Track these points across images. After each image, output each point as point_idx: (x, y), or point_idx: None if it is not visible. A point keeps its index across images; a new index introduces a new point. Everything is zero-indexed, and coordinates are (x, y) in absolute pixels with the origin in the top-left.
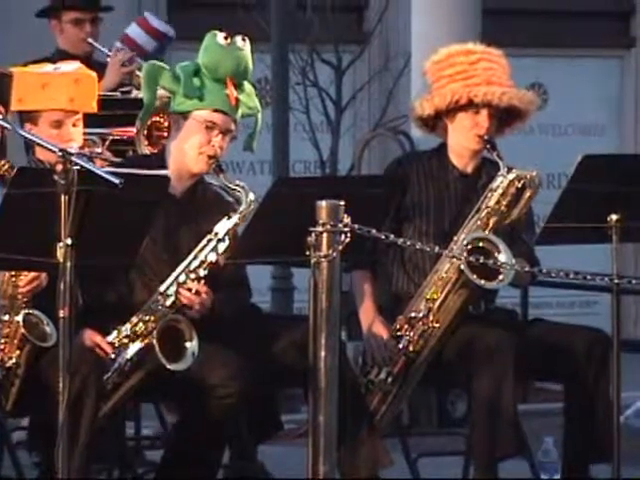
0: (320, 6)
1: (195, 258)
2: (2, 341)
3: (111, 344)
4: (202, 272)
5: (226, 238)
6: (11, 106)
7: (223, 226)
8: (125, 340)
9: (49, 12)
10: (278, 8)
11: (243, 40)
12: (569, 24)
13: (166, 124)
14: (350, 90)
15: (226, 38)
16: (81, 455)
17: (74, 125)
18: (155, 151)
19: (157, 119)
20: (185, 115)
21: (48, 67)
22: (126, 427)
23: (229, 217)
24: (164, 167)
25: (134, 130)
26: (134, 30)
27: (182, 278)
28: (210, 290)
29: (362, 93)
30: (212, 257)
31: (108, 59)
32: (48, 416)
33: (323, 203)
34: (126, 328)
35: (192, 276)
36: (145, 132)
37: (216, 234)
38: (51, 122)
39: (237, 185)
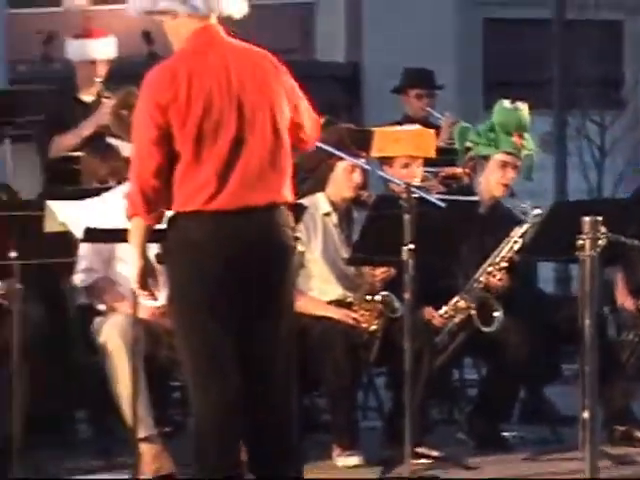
0: (588, 81)
1: (498, 255)
2: (367, 314)
3: (442, 316)
4: (503, 264)
5: (519, 240)
6: (371, 153)
7: (517, 232)
8: (452, 312)
9: (399, 89)
10: (560, 85)
11: (523, 103)
12: None
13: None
14: (611, 140)
15: (511, 102)
16: (421, 394)
17: (417, 166)
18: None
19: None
20: (487, 158)
21: (398, 127)
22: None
23: (521, 225)
24: (473, 194)
25: (457, 170)
26: None
27: (489, 269)
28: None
29: (619, 143)
30: (510, 254)
31: (440, 122)
32: (398, 366)
33: (586, 218)
34: (452, 304)
35: (496, 267)
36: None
37: (512, 237)
38: (402, 164)
39: (525, 204)
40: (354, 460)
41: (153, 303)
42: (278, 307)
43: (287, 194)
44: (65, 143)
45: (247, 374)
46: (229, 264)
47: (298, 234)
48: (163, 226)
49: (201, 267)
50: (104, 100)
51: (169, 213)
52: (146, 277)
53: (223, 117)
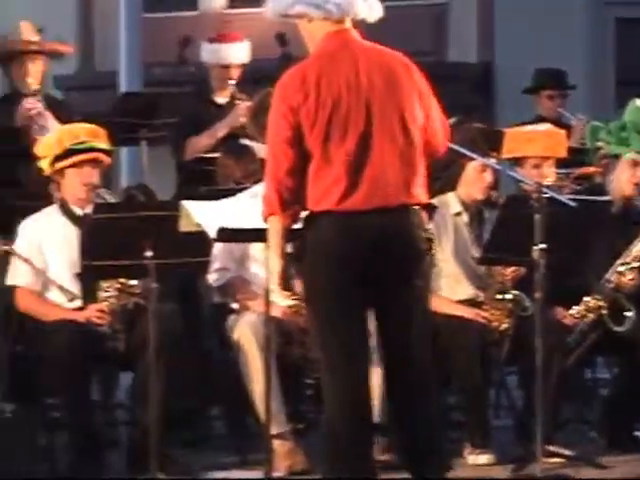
0: None
1: (630, 254)
2: (497, 313)
3: (573, 315)
4: (635, 264)
5: None
6: (502, 153)
7: None
8: (583, 312)
9: (531, 90)
10: None
11: None
12: None
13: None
14: None
15: None
16: (552, 393)
17: (548, 166)
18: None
19: None
20: (618, 157)
21: (529, 127)
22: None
23: None
24: (605, 193)
25: (589, 170)
26: None
27: (621, 268)
28: None
29: None
30: None
31: (572, 122)
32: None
33: None
34: (583, 303)
35: (628, 267)
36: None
37: None
38: (533, 164)
39: None
40: (486, 458)
41: (287, 302)
42: (411, 305)
43: (420, 194)
44: (200, 145)
45: (389, 369)
46: (360, 263)
47: (431, 235)
48: (298, 226)
49: (333, 266)
50: (238, 102)
51: (304, 213)
52: (287, 277)
53: (351, 117)
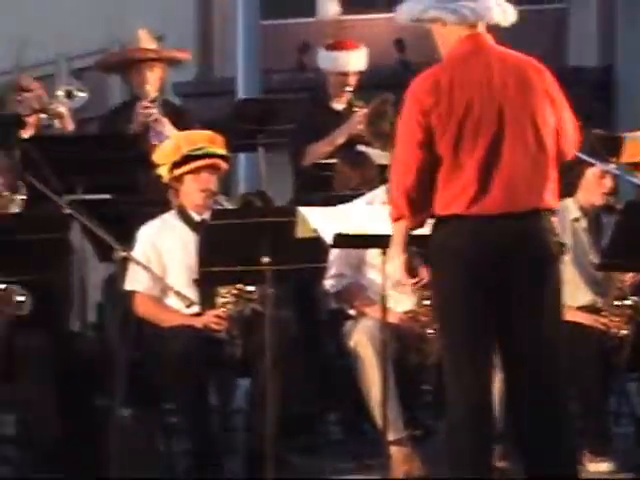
0: None
1: None
2: (616, 319)
3: None
4: None
5: None
6: (622, 159)
7: None
8: None
9: None
10: None
11: None
12: None
13: None
14: None
15: None
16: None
17: None
18: None
19: None
20: None
21: None
22: None
23: None
24: None
25: None
26: None
27: None
28: None
29: None
30: None
31: None
32: None
33: None
34: None
35: None
36: None
37: None
38: None
39: None
40: (606, 466)
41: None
42: (540, 309)
43: (551, 200)
44: (319, 151)
45: (513, 374)
46: (489, 268)
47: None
48: (424, 231)
49: (461, 270)
50: (355, 109)
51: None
52: (410, 266)
53: (483, 122)
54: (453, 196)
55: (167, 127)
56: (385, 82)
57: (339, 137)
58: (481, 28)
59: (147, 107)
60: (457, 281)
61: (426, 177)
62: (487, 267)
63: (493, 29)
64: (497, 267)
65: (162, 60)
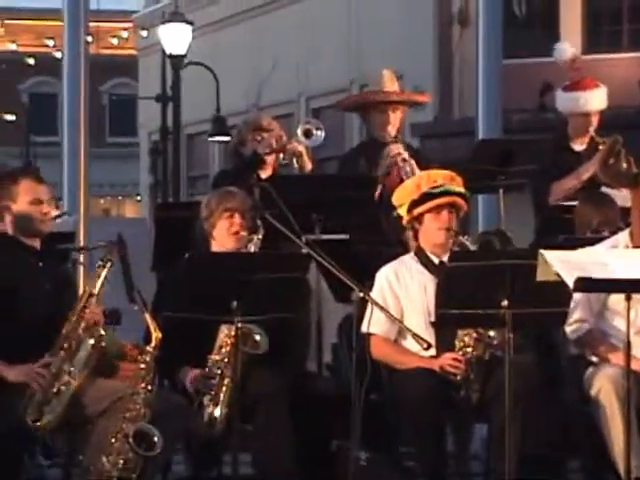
0: None
1: None
2: None
3: None
4: None
5: None
6: None
7: None
8: None
9: None
10: None
11: None
12: None
13: None
14: None
15: None
16: None
17: None
18: None
19: None
20: None
21: None
22: None
23: None
24: None
25: None
26: None
27: None
28: None
29: None
30: None
31: None
32: None
33: None
34: None
35: None
36: None
37: None
38: None
39: None
40: None
41: None
42: None
43: None
44: (566, 186)
45: None
46: None
47: None
48: None
49: None
50: (600, 146)
51: None
52: None
53: None
54: None
55: (415, 169)
56: (629, 123)
57: (585, 172)
58: None
59: (398, 149)
60: None
61: None
62: None
63: None
64: None
65: (404, 103)
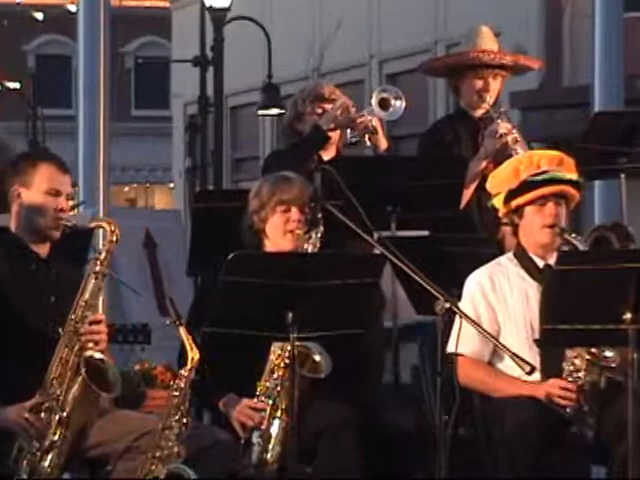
0: None
1: None
2: None
3: None
4: None
5: None
6: None
7: None
8: None
9: None
10: None
11: None
12: None
13: None
14: None
15: None
16: None
17: None
18: None
19: None
20: None
21: None
22: None
23: None
24: None
25: None
26: None
27: None
28: None
29: None
30: None
31: None
32: None
33: None
34: None
35: None
36: None
37: None
38: None
39: None
40: None
41: None
42: None
43: None
44: None
45: None
46: None
47: None
48: None
49: None
50: None
51: None
52: None
53: None
54: None
55: (525, 148)
56: None
57: None
58: None
59: (508, 129)
60: None
61: None
62: None
63: None
64: None
65: (509, 68)
